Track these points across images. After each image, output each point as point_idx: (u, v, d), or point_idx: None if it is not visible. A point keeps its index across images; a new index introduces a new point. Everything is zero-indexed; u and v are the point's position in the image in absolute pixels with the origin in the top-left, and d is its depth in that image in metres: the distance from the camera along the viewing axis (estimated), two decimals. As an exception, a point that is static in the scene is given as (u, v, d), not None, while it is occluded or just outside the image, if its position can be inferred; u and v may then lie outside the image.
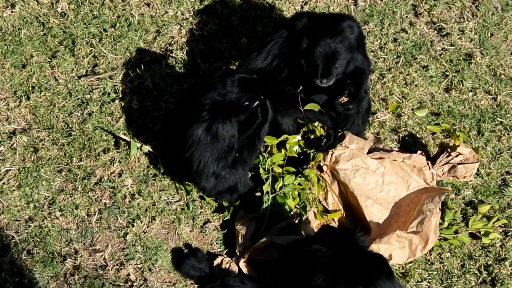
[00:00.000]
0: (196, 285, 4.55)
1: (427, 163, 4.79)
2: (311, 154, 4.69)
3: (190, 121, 4.30)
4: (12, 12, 5.23)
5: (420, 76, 5.34)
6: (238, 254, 4.54)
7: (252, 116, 4.38)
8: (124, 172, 4.81)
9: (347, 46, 4.31)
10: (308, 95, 4.56)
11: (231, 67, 5.17)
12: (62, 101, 4.98)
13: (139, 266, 4.58)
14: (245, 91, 4.29)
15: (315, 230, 4.60)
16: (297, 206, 4.61)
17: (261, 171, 4.59)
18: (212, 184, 4.44)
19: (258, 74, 4.48)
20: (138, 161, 4.85)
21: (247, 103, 4.30)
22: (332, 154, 4.68)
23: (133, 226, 4.67)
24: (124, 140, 4.86)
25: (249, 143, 4.42)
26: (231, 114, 4.29)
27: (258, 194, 4.63)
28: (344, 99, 4.55)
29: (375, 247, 4.37)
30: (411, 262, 4.66)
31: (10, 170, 4.77)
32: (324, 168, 4.71)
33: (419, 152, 4.88)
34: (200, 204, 4.78)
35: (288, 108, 4.53)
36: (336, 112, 4.60)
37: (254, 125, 4.40)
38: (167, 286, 4.55)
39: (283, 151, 4.61)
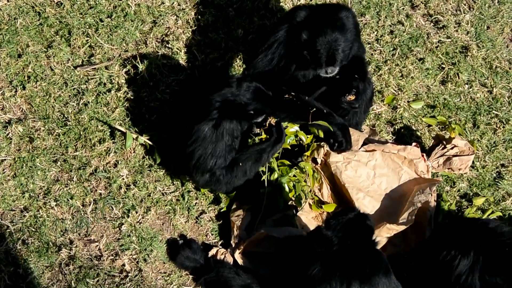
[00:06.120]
0: (191, 276, 4.56)
1: (422, 155, 4.79)
2: (306, 146, 4.69)
3: (196, 116, 4.34)
4: (8, 1, 5.21)
5: (416, 69, 5.34)
6: (233, 245, 4.54)
7: (268, 133, 4.43)
8: (119, 162, 4.81)
9: (347, 33, 4.35)
10: (313, 92, 4.58)
11: (227, 58, 5.17)
12: (57, 91, 4.97)
13: (134, 256, 4.58)
14: (255, 100, 4.34)
15: (310, 221, 4.60)
16: (293, 198, 4.61)
17: (257, 163, 4.60)
18: (205, 180, 4.47)
19: (266, 76, 4.50)
20: (134, 152, 4.84)
21: (251, 112, 4.34)
22: (324, 147, 4.69)
23: (128, 216, 4.67)
24: (119, 130, 4.85)
25: (256, 157, 4.43)
26: (239, 115, 4.34)
27: (253, 186, 4.64)
28: (351, 97, 4.55)
29: None
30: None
31: (5, 159, 4.76)
32: (318, 160, 4.72)
33: (413, 144, 4.88)
34: (196, 195, 4.78)
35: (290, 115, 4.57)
36: (341, 108, 4.61)
37: (269, 141, 4.42)
38: (162, 276, 4.56)
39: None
